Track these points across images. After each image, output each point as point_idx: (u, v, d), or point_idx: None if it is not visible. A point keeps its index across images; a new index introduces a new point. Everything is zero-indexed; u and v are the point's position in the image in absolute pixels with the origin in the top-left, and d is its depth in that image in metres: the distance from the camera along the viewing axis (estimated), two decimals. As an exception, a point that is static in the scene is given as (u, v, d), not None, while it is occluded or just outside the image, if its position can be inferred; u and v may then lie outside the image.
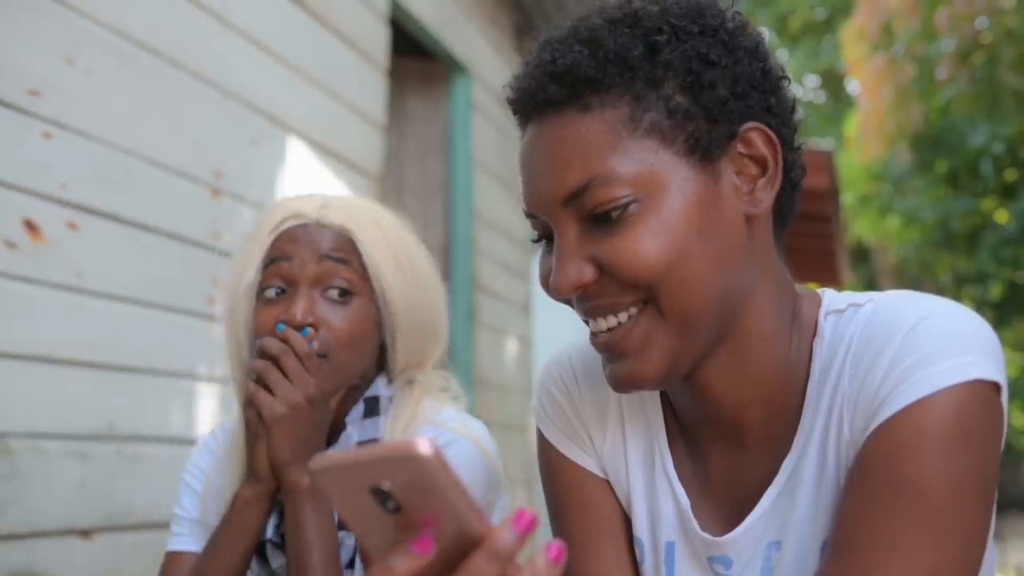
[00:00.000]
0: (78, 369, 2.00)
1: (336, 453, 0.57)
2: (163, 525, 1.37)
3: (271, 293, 1.22)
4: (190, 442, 2.26)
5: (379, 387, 1.28)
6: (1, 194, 1.84)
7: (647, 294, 0.84)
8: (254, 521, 1.18)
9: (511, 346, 4.60)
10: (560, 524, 1.02)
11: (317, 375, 1.16)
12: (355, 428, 1.26)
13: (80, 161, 2.02)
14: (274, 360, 1.16)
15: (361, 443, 1.24)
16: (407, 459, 0.54)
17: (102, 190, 2.07)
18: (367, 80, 3.29)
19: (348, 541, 1.20)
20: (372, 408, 1.27)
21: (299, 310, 1.18)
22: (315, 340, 1.18)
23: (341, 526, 1.20)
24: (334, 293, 1.21)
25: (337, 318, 1.21)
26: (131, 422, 2.12)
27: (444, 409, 1.26)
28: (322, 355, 1.19)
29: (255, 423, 1.17)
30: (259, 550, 1.22)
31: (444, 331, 1.35)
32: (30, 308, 1.89)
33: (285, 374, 1.16)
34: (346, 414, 1.27)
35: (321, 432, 1.18)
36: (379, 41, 3.39)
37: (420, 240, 1.35)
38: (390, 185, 3.95)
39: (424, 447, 0.54)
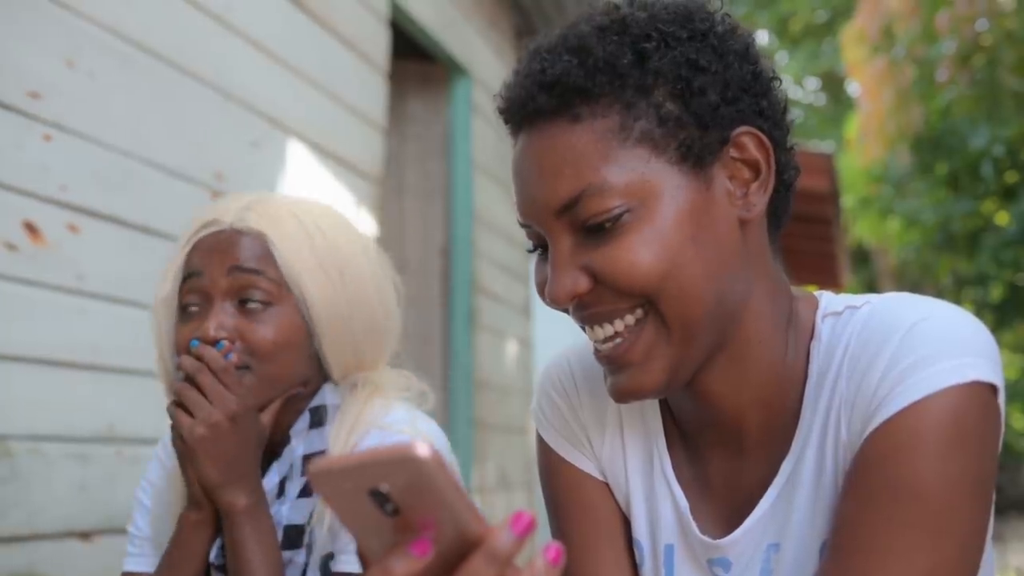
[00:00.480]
0: (78, 371, 2.00)
1: (334, 456, 0.57)
2: (163, 527, 1.37)
3: (191, 309, 1.18)
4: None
5: (325, 395, 1.22)
6: (1, 196, 1.84)
7: (645, 301, 0.84)
8: (199, 546, 1.14)
9: (511, 348, 4.60)
10: (559, 527, 1.02)
11: (238, 390, 1.12)
12: (300, 440, 1.20)
13: (80, 163, 2.02)
14: (191, 379, 1.12)
15: (307, 456, 1.19)
16: (405, 461, 0.54)
17: (102, 192, 2.08)
18: (367, 82, 3.29)
19: (297, 559, 1.16)
20: (318, 418, 1.21)
21: (212, 325, 1.13)
22: (232, 353, 1.14)
23: (289, 544, 1.16)
24: (251, 304, 1.15)
25: (255, 329, 1.15)
26: (131, 424, 2.12)
27: (393, 409, 1.21)
28: (243, 367, 1.14)
29: (180, 446, 1.12)
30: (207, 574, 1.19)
31: (391, 331, 1.28)
32: (30, 310, 1.89)
33: (203, 393, 1.11)
34: (291, 426, 1.21)
35: (250, 448, 1.13)
36: (379, 43, 3.39)
37: (364, 237, 1.28)
38: (390, 187, 3.96)
39: (422, 449, 0.54)
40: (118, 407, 2.09)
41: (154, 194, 2.23)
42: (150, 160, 2.22)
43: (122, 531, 2.08)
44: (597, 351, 0.89)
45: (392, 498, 0.56)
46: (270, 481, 1.19)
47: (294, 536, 1.16)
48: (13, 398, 1.85)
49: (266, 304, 1.16)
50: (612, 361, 0.87)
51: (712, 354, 0.88)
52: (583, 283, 0.84)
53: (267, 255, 1.17)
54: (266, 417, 1.17)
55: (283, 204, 1.22)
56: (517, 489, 4.50)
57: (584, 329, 0.89)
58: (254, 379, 1.15)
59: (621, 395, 0.88)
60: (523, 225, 0.89)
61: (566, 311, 0.88)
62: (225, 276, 1.16)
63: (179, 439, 1.12)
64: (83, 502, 1.98)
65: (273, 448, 1.22)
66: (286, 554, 1.16)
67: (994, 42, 8.32)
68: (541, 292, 0.88)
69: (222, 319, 1.14)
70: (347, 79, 3.15)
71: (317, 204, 1.26)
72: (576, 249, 0.85)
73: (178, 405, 1.12)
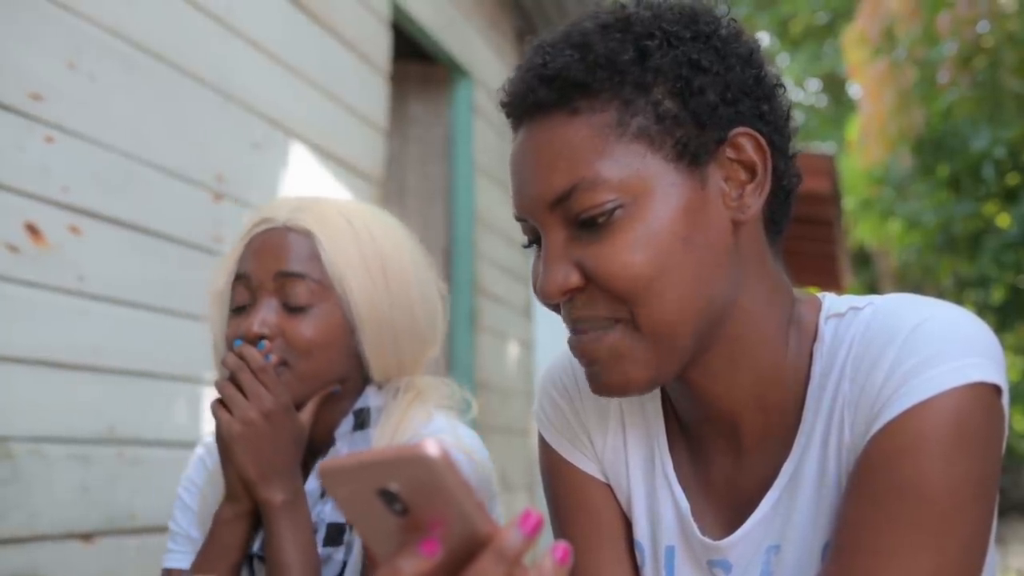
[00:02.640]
0: (80, 373, 2.00)
1: (344, 455, 0.57)
2: (164, 529, 1.37)
3: (240, 305, 1.23)
4: (192, 446, 2.26)
5: (368, 397, 1.26)
6: (3, 198, 1.84)
7: (626, 312, 0.83)
8: (234, 540, 1.17)
9: (512, 350, 4.60)
10: (561, 528, 1.02)
11: (276, 388, 1.15)
12: (344, 442, 1.23)
13: (82, 165, 2.02)
14: (233, 378, 1.16)
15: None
16: (415, 461, 0.54)
17: (104, 194, 2.08)
18: (368, 84, 3.29)
19: (336, 556, 1.19)
20: (361, 420, 1.24)
21: (255, 322, 1.18)
22: (272, 352, 1.18)
23: (330, 541, 1.19)
24: (295, 302, 1.19)
25: (296, 327, 1.19)
26: (133, 426, 2.12)
27: (434, 418, 1.24)
28: (283, 364, 1.18)
29: (220, 442, 1.16)
30: (250, 565, 1.22)
31: (432, 335, 1.32)
32: (31, 312, 1.89)
33: (241, 390, 1.15)
34: (335, 427, 1.25)
35: (286, 445, 1.16)
36: (380, 45, 3.39)
37: (412, 243, 1.32)
38: (391, 189, 3.95)
39: (432, 449, 0.54)
40: (119, 409, 2.09)
41: (155, 195, 2.23)
42: (151, 162, 2.22)
43: (124, 532, 2.08)
44: (572, 348, 0.89)
45: (401, 497, 0.56)
46: (312, 482, 1.23)
47: (335, 534, 1.20)
48: (14, 399, 1.85)
49: (310, 303, 1.20)
50: (582, 355, 0.87)
51: (700, 353, 0.87)
52: (574, 278, 0.84)
53: (314, 254, 1.21)
54: (305, 416, 1.20)
55: (334, 205, 1.26)
56: (518, 490, 4.50)
57: (571, 335, 0.89)
58: (292, 376, 1.19)
59: (598, 389, 0.88)
60: (519, 219, 0.89)
61: (557, 309, 0.88)
62: (271, 279, 1.20)
63: (218, 435, 1.16)
64: (84, 504, 1.98)
65: (317, 449, 1.25)
66: (326, 551, 1.19)
67: (995, 44, 8.32)
68: (535, 287, 0.88)
69: (265, 316, 1.19)
70: (348, 80, 3.15)
71: (369, 208, 1.30)
72: (569, 243, 0.85)
73: (220, 403, 1.17)
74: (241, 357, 1.16)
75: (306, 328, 1.19)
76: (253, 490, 1.15)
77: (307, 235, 1.22)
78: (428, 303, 1.30)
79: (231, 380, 1.16)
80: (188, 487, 1.33)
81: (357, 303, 1.21)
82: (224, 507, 1.18)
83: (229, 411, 1.15)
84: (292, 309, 1.19)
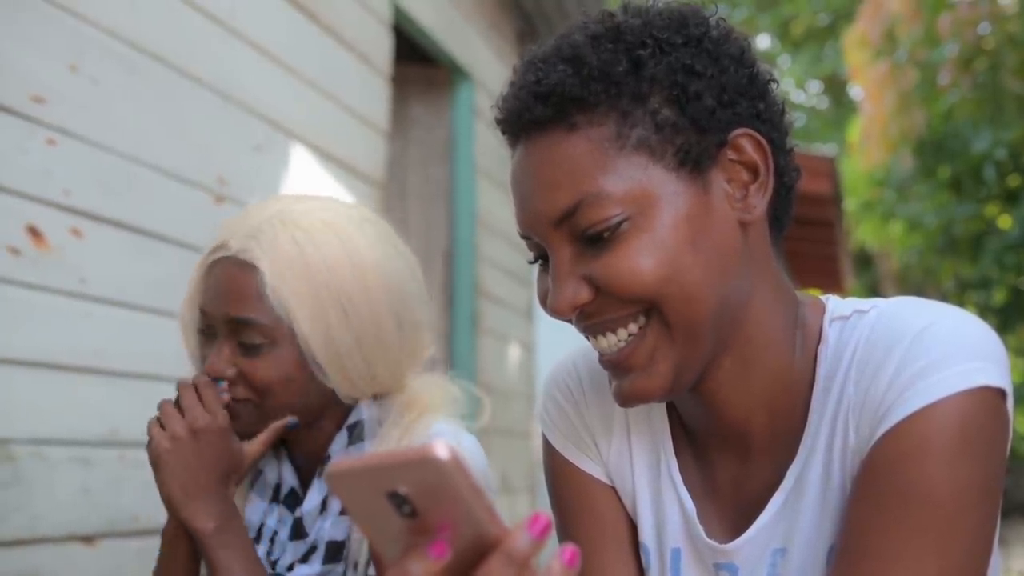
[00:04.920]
0: (81, 375, 2.00)
1: (352, 458, 0.57)
2: (166, 531, 1.36)
3: (206, 331, 1.21)
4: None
5: (362, 410, 1.23)
6: (5, 200, 1.84)
7: (647, 308, 0.84)
8: (182, 556, 1.16)
9: (514, 352, 4.60)
10: (566, 531, 1.02)
11: (213, 407, 1.14)
12: (340, 458, 1.19)
13: (84, 168, 2.02)
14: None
15: None
16: (425, 463, 0.54)
17: (105, 196, 2.08)
18: (370, 86, 3.29)
19: (336, 570, 1.18)
20: (357, 434, 1.22)
21: (212, 365, 1.16)
22: (226, 392, 1.16)
23: (329, 559, 1.18)
24: (249, 342, 1.16)
25: (253, 368, 1.16)
26: (134, 428, 2.12)
27: (435, 423, 1.22)
28: (248, 400, 1.17)
29: (150, 458, 1.14)
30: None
31: (415, 343, 1.26)
32: (33, 314, 1.89)
33: (180, 408, 1.14)
34: (329, 444, 1.23)
35: (215, 467, 1.14)
36: (382, 47, 3.39)
37: (385, 252, 1.22)
38: (393, 191, 3.95)
39: (442, 451, 0.54)
40: (121, 411, 2.08)
41: (157, 198, 2.23)
42: (153, 164, 2.22)
43: (125, 535, 2.08)
44: (601, 357, 0.88)
45: (410, 500, 0.56)
46: (312, 500, 1.21)
47: (334, 551, 1.19)
48: (16, 402, 1.85)
49: (263, 343, 1.15)
50: (616, 366, 0.87)
51: (716, 357, 0.88)
52: (584, 293, 0.84)
53: (261, 295, 1.14)
54: (253, 446, 1.18)
55: (290, 228, 1.17)
56: (520, 493, 4.50)
57: (588, 339, 0.89)
58: (258, 412, 1.17)
59: (626, 399, 0.87)
60: (523, 236, 0.89)
61: (569, 321, 0.88)
62: (223, 322, 1.17)
63: (148, 450, 1.14)
64: (86, 506, 1.98)
65: (313, 467, 1.24)
66: (324, 567, 1.18)
67: (996, 46, 8.32)
68: (543, 304, 0.88)
69: (222, 357, 1.16)
70: (349, 83, 3.15)
71: (333, 220, 1.20)
72: (576, 259, 0.85)
73: (157, 419, 1.15)
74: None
75: (262, 369, 1.16)
76: (178, 513, 1.12)
77: (254, 271, 1.15)
78: (406, 313, 1.23)
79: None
80: None
81: (310, 340, 1.15)
82: (167, 526, 1.17)
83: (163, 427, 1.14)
84: (248, 348, 1.16)
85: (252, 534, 1.24)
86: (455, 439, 1.20)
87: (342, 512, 1.19)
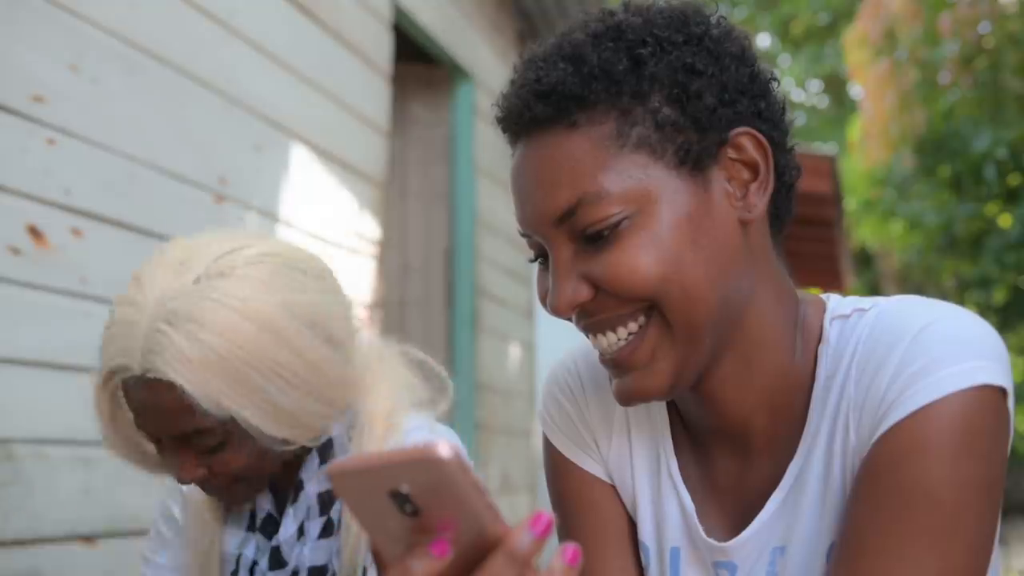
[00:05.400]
0: (82, 375, 1.99)
1: (354, 457, 0.57)
2: (167, 531, 1.36)
3: (156, 445, 1.15)
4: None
5: (331, 428, 1.17)
6: (5, 200, 1.84)
7: (647, 306, 0.84)
8: None
9: (514, 351, 4.60)
10: (566, 530, 1.02)
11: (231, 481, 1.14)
12: (313, 483, 1.18)
13: (84, 167, 2.02)
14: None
15: (321, 494, 1.18)
16: (427, 462, 0.54)
17: (106, 196, 2.08)
18: (371, 86, 3.29)
19: None
20: (326, 454, 1.18)
21: (186, 473, 1.12)
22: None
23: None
24: (204, 445, 1.10)
25: (222, 463, 1.12)
26: (135, 428, 2.12)
27: (405, 422, 1.18)
28: (232, 484, 1.14)
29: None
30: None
31: (353, 369, 1.17)
32: (34, 313, 1.89)
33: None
34: (299, 469, 1.19)
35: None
36: (383, 47, 3.39)
37: (293, 295, 1.11)
38: (393, 191, 3.96)
39: (444, 450, 0.54)
40: (122, 411, 2.09)
41: (157, 197, 2.23)
42: (153, 164, 2.22)
43: (126, 535, 2.08)
44: (601, 355, 0.88)
45: (412, 499, 0.56)
46: (288, 528, 1.18)
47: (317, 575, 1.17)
48: (16, 401, 1.85)
49: (221, 441, 1.10)
50: (617, 364, 0.87)
51: (717, 356, 0.88)
52: (584, 292, 0.84)
53: (194, 407, 1.05)
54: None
55: (182, 329, 1.05)
56: (520, 492, 4.50)
57: (588, 337, 0.89)
58: (247, 487, 1.16)
59: (626, 398, 0.87)
60: (523, 235, 0.89)
61: (570, 319, 0.88)
62: (171, 438, 1.11)
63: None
64: (86, 506, 1.98)
65: (285, 494, 1.21)
66: None
67: (997, 44, 8.32)
68: (543, 302, 0.88)
69: (190, 465, 1.12)
70: (350, 83, 3.15)
71: (215, 299, 1.07)
72: (576, 258, 0.85)
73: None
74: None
75: (232, 461, 1.12)
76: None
77: (172, 387, 1.05)
78: (337, 331, 1.14)
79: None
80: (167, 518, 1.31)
81: (260, 423, 1.08)
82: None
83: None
84: (208, 449, 1.10)
85: (231, 566, 1.21)
86: (431, 433, 1.17)
87: (321, 536, 1.17)
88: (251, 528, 1.22)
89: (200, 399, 1.04)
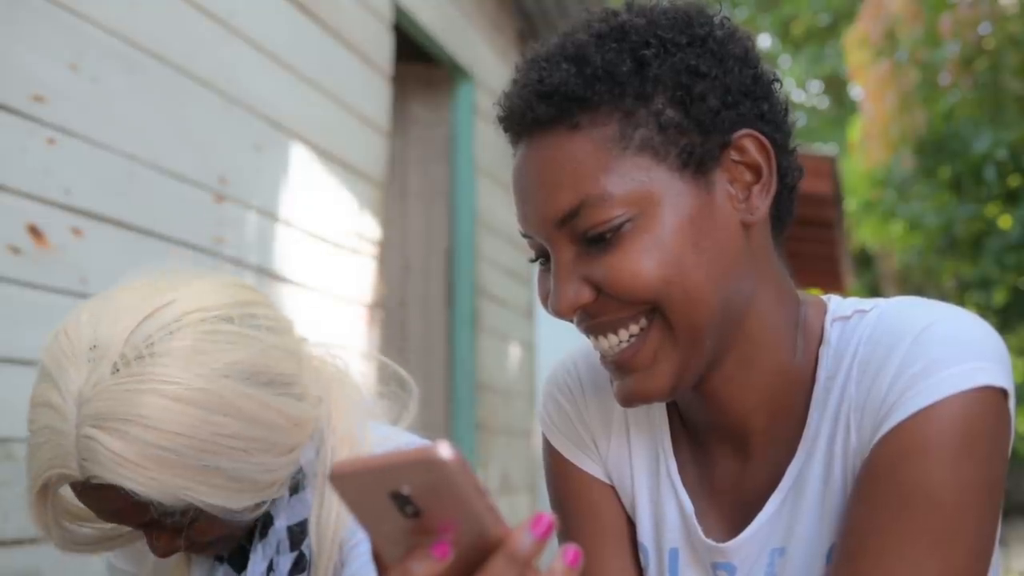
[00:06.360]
0: (82, 374, 2.00)
1: (356, 458, 0.57)
2: (166, 531, 1.36)
3: (125, 529, 1.09)
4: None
5: (298, 459, 1.10)
6: (5, 200, 1.84)
7: (649, 308, 0.84)
8: None
9: (514, 351, 4.60)
10: (566, 531, 1.02)
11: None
12: (282, 517, 1.11)
13: (84, 167, 2.02)
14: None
15: (291, 528, 1.12)
16: (428, 463, 0.54)
17: (106, 196, 2.08)
18: (371, 85, 3.29)
19: None
20: (294, 484, 1.11)
21: (165, 551, 1.06)
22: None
23: None
24: (176, 527, 1.04)
25: (198, 534, 1.05)
26: (134, 427, 2.12)
27: (377, 432, 1.14)
28: (213, 543, 1.10)
29: None
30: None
31: (303, 388, 1.08)
32: (34, 313, 1.89)
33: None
34: (269, 503, 1.10)
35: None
36: (383, 47, 3.39)
37: (204, 332, 1.01)
38: (393, 190, 3.96)
39: (445, 451, 0.54)
40: (121, 410, 2.08)
41: (157, 197, 2.23)
42: (153, 163, 2.22)
43: (125, 535, 2.08)
44: (603, 357, 0.88)
45: (413, 500, 0.56)
46: (257, 566, 1.12)
47: None
48: (16, 401, 1.84)
49: (189, 519, 1.02)
50: (619, 366, 0.87)
51: (717, 357, 0.88)
52: (586, 294, 0.84)
53: (149, 503, 0.98)
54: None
55: (109, 429, 0.96)
56: (520, 492, 4.50)
57: (589, 339, 0.89)
58: (229, 540, 1.12)
59: (628, 400, 0.87)
60: (524, 235, 0.89)
61: (571, 321, 0.88)
62: (138, 527, 1.05)
63: None
64: (86, 505, 1.98)
65: (252, 529, 1.14)
66: None
67: (997, 46, 8.32)
68: (545, 304, 0.88)
69: (165, 545, 1.06)
70: (350, 82, 3.15)
71: (131, 388, 0.97)
72: (578, 260, 0.84)
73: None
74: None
75: (207, 532, 1.06)
76: None
77: (119, 488, 0.97)
78: (278, 375, 1.05)
79: None
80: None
81: (220, 501, 1.00)
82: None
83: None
84: (181, 528, 1.04)
85: None
86: (397, 440, 1.13)
87: (292, 572, 1.11)
88: (219, 559, 1.17)
89: (152, 496, 0.96)
